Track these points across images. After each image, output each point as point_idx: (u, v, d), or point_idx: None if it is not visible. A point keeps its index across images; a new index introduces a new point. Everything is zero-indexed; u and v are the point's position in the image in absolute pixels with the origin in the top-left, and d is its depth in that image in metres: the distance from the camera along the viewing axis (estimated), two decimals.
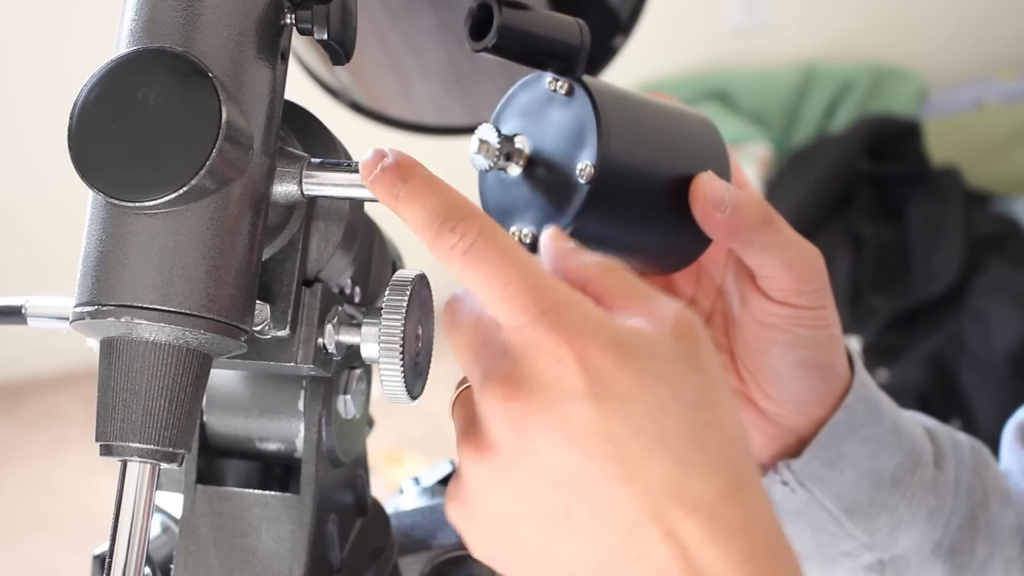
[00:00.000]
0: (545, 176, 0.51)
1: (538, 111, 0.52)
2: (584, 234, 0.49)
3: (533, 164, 0.52)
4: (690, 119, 0.55)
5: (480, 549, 0.43)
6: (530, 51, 0.49)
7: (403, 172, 0.43)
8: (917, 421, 0.61)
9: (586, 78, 0.51)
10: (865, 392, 0.57)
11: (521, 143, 0.52)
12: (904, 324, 2.16)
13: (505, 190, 0.52)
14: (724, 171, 0.55)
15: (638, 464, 0.38)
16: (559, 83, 0.51)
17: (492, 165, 0.51)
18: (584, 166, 0.49)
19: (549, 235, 0.44)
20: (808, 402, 0.57)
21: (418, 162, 0.43)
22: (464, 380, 0.44)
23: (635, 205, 0.52)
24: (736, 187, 0.53)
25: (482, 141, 0.51)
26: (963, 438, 0.63)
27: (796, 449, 0.58)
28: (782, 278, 0.54)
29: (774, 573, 0.38)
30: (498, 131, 0.51)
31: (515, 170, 0.52)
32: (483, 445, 0.40)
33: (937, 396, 2.07)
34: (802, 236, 0.55)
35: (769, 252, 0.53)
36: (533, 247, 0.50)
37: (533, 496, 0.39)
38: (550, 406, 0.38)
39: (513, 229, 0.51)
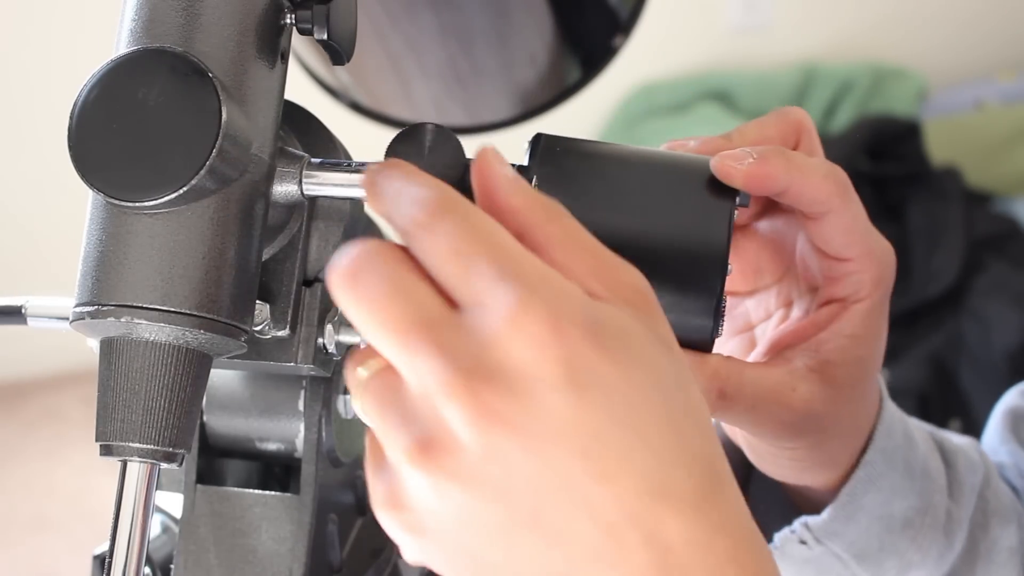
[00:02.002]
0: None
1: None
2: None
3: None
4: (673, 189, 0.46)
5: (421, 558, 0.37)
6: None
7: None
8: (936, 442, 0.59)
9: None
10: (882, 443, 0.54)
11: None
12: (904, 324, 2.16)
13: None
14: (712, 247, 0.46)
15: (620, 461, 0.34)
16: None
17: None
18: None
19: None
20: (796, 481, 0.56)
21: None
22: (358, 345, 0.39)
23: None
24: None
25: None
26: (977, 458, 0.60)
27: None
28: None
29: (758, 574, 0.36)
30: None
31: None
32: (436, 445, 0.34)
33: (937, 396, 2.07)
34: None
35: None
36: None
37: (498, 501, 0.34)
38: (525, 397, 0.33)
39: None
